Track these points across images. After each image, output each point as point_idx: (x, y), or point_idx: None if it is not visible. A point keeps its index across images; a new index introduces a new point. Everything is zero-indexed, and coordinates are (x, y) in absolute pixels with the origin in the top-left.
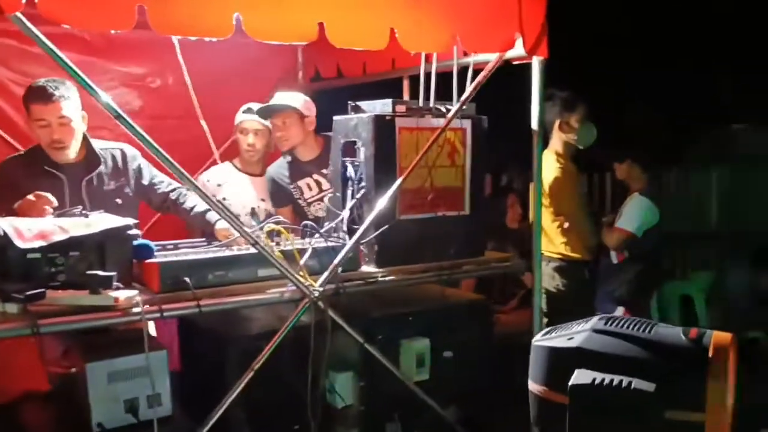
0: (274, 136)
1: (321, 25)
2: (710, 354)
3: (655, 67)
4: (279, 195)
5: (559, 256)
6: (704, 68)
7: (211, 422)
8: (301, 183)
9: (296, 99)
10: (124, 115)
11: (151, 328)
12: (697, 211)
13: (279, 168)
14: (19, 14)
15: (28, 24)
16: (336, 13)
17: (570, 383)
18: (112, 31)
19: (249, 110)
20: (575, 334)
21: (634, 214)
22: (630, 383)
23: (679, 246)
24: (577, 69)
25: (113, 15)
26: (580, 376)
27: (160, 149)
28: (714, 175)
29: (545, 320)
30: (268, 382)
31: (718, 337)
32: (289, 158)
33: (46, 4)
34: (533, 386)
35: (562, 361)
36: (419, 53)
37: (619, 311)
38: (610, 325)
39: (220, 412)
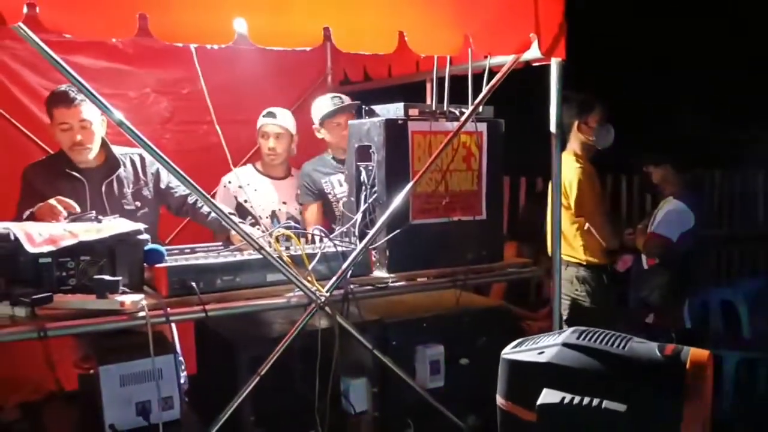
0: (340, 134)
1: (327, 29)
2: (687, 371)
3: (698, 67)
4: (310, 189)
5: (578, 261)
6: (747, 68)
7: (217, 426)
8: (333, 178)
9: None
10: (127, 123)
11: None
12: (743, 214)
13: (316, 163)
14: (21, 24)
15: (31, 34)
16: (341, 17)
17: (538, 402)
18: (114, 40)
19: (270, 114)
20: (546, 348)
21: (669, 219)
22: (600, 403)
23: (724, 250)
24: (612, 72)
25: (114, 23)
26: (549, 395)
27: (164, 155)
28: (761, 176)
29: (565, 327)
30: (283, 388)
31: (696, 353)
32: (330, 154)
33: (48, 14)
34: (501, 401)
35: (530, 376)
36: (442, 56)
37: (650, 318)
38: (583, 339)
39: (226, 416)
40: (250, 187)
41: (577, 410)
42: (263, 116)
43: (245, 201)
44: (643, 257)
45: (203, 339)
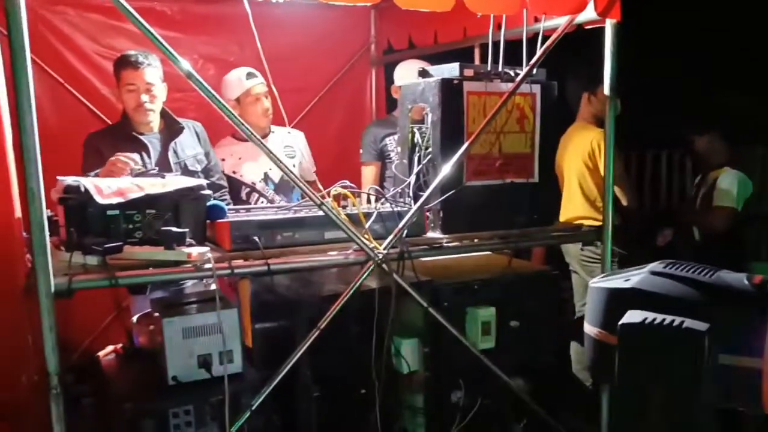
0: None
1: None
2: None
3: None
4: (370, 147)
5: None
6: None
7: (278, 379)
8: (389, 139)
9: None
10: (200, 79)
11: None
12: None
13: (383, 121)
14: None
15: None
16: None
17: (620, 322)
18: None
19: (252, 75)
20: (633, 275)
21: (732, 189)
22: (682, 323)
23: (765, 228)
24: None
25: None
26: (632, 316)
27: (230, 109)
28: None
29: None
30: (338, 346)
31: None
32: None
33: None
34: (588, 328)
35: (616, 302)
36: (489, 21)
37: None
38: (670, 268)
39: (286, 369)
40: (233, 158)
41: (657, 329)
42: (247, 79)
43: (234, 172)
44: (695, 229)
45: (260, 300)
